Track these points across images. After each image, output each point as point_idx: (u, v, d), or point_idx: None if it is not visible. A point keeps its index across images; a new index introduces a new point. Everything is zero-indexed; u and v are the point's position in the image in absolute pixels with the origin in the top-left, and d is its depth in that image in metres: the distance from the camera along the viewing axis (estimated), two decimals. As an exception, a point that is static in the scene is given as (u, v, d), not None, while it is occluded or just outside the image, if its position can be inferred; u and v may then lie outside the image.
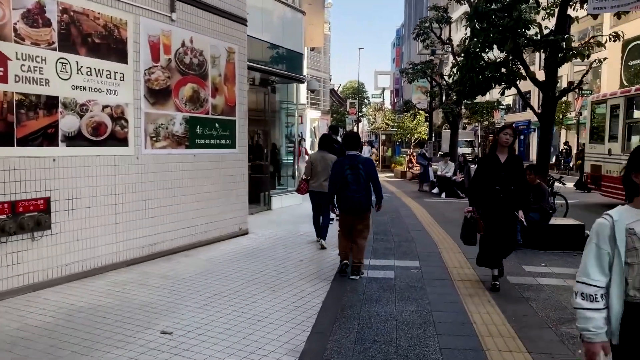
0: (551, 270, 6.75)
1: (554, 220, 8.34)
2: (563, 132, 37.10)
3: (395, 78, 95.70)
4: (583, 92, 32.16)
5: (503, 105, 45.93)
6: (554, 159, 33.95)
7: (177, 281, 5.83)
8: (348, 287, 5.88)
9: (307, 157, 9.11)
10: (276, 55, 11.82)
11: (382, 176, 23.89)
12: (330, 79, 45.06)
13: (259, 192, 11.72)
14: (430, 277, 6.34)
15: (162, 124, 6.79)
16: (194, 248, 7.46)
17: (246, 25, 8.49)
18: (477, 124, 46.74)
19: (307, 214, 11.56)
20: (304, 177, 8.28)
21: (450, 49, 18.16)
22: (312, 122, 31.42)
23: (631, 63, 30.87)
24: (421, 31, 17.82)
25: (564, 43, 8.43)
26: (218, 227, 7.96)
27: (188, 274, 6.12)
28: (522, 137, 48.59)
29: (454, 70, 17.66)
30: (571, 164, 31.09)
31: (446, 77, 17.94)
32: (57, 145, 5.45)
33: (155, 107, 6.68)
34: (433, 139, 22.48)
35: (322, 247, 7.76)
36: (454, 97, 17.95)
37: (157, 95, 6.71)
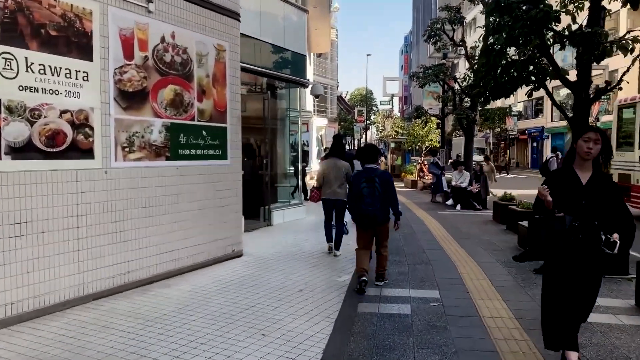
0: (597, 302, 5.66)
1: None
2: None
3: (403, 85, 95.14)
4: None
5: (515, 111, 44.86)
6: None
7: (148, 321, 4.82)
8: (356, 327, 4.84)
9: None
10: (277, 58, 10.88)
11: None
12: (338, 86, 44.17)
13: (259, 207, 10.73)
14: (454, 312, 5.28)
15: (136, 132, 5.82)
16: (179, 275, 6.46)
17: (239, 21, 7.54)
18: (488, 130, 45.62)
19: (311, 228, 10.57)
20: (315, 185, 8.18)
21: (463, 52, 17.15)
22: (319, 130, 30.50)
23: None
24: (432, 33, 16.82)
25: (602, 37, 7.38)
26: (206, 249, 6.96)
27: (163, 311, 5.11)
28: (534, 144, 47.44)
29: (470, 72, 16.72)
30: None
31: (460, 81, 16.90)
32: None
33: (128, 113, 5.71)
34: (444, 147, 21.43)
35: (335, 255, 7.80)
36: (468, 101, 16.90)
37: (131, 98, 5.75)
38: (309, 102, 27.08)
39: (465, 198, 14.88)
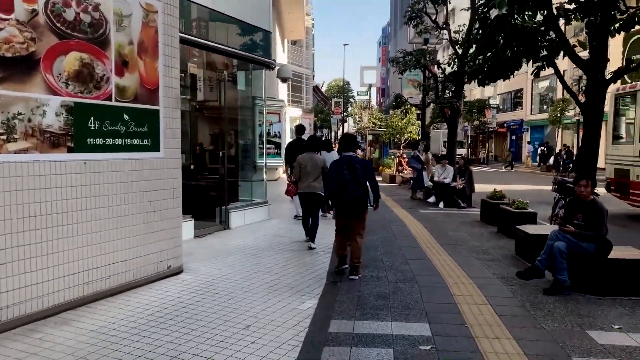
0: (634, 340, 4.32)
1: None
2: (558, 131, 34.95)
3: (381, 77, 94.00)
4: (583, 88, 30.10)
5: (496, 103, 43.97)
6: (551, 160, 31.86)
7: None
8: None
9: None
10: (234, 32, 9.29)
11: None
12: (314, 76, 42.59)
13: (215, 207, 9.19)
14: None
15: (19, 114, 4.23)
16: (91, 303, 4.91)
17: (177, -24, 5.97)
18: (467, 123, 44.62)
19: (275, 232, 9.06)
20: (292, 179, 8.29)
21: (446, 36, 15.75)
22: (293, 121, 28.93)
23: (634, 57, 28.96)
24: (413, 14, 15.37)
25: (620, 5, 6.04)
26: (130, 268, 5.41)
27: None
28: (513, 137, 46.61)
29: (454, 58, 15.38)
30: (571, 166, 29.01)
31: (444, 66, 15.50)
32: None
33: (4, 87, 4.13)
34: (425, 140, 20.08)
35: (310, 248, 7.79)
36: (452, 89, 15.54)
37: (8, 66, 4.16)
38: (282, 90, 25.48)
39: (448, 195, 13.55)
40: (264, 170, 10.78)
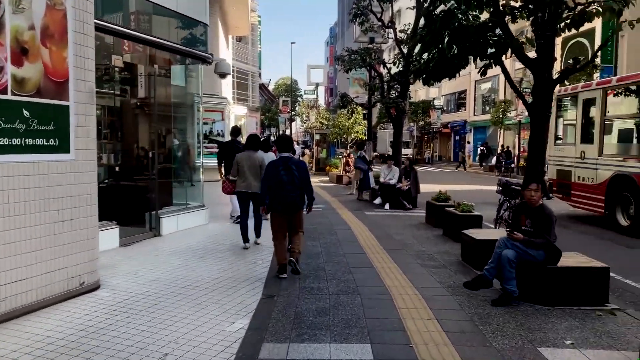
0: (587, 358, 4.04)
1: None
2: (500, 132, 35.77)
3: (329, 77, 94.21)
4: (524, 90, 30.87)
5: (440, 104, 44.64)
6: (494, 161, 32.53)
7: None
8: None
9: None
10: (163, 22, 8.60)
11: (316, 180, 20.98)
12: (260, 74, 41.82)
13: (144, 212, 8.47)
14: (397, 394, 3.44)
15: None
16: (-20, 330, 4.19)
17: (91, -45, 5.28)
18: (412, 124, 45.08)
19: (212, 239, 8.44)
20: (229, 177, 8.21)
21: (392, 35, 15.51)
22: (238, 119, 28.17)
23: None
24: (359, 11, 15.04)
25: (568, 2, 5.84)
26: (34, 286, 4.70)
27: None
28: (457, 137, 47.52)
29: (399, 57, 15.17)
30: (512, 166, 29.70)
31: (389, 66, 15.25)
32: None
33: None
34: (371, 140, 19.83)
35: (256, 243, 8.02)
36: (398, 89, 15.31)
37: None
38: (226, 88, 24.70)
39: (394, 196, 13.30)
40: (201, 171, 10.11)
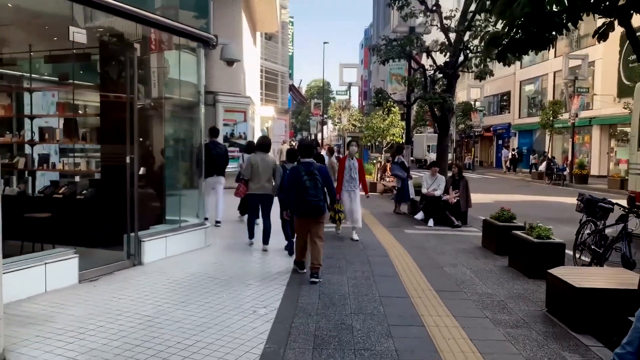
0: None
1: None
2: (549, 136, 32.82)
3: (363, 80, 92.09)
4: (579, 90, 28.02)
5: (482, 107, 41.86)
6: (543, 166, 29.72)
7: None
8: None
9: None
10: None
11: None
12: (291, 74, 39.95)
13: (122, 234, 6.55)
14: None
15: None
16: None
17: None
18: (452, 127, 42.37)
19: (205, 271, 6.33)
20: (243, 178, 8.17)
21: (437, 21, 13.27)
22: (264, 121, 26.32)
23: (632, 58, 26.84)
24: (398, -5, 12.81)
25: None
26: None
27: None
28: (500, 141, 44.49)
29: (446, 43, 12.94)
30: (565, 174, 26.82)
31: (435, 53, 12.96)
32: None
33: None
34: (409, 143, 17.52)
35: (264, 250, 7.67)
36: (444, 83, 13.05)
37: None
38: (252, 87, 22.87)
39: (440, 211, 11.08)
40: (202, 180, 8.16)
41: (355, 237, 8.98)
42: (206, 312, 4.87)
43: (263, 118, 25.62)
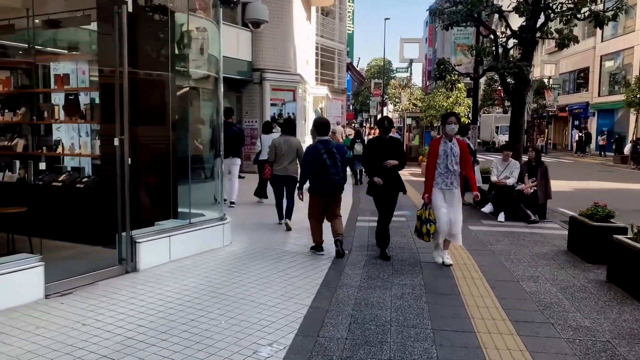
0: None
1: None
2: (634, 116, 29.34)
3: (427, 59, 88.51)
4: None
5: (557, 84, 38.45)
6: (627, 149, 26.60)
7: None
8: None
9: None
10: None
11: (405, 173, 17.08)
12: (348, 52, 38.12)
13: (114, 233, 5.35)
14: None
15: None
16: None
17: None
18: (527, 103, 39.17)
19: (218, 280, 4.92)
20: (269, 160, 8.00)
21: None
22: (317, 101, 24.85)
23: None
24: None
25: None
26: None
27: None
28: (576, 122, 40.78)
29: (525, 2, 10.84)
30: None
31: (507, 13, 10.85)
32: None
33: None
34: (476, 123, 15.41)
35: (288, 228, 7.74)
36: (519, 51, 11.01)
37: None
38: (303, 64, 21.42)
39: (513, 203, 9.26)
40: (220, 166, 6.85)
41: (448, 260, 6.17)
42: (188, 351, 3.54)
43: (316, 98, 24.13)
